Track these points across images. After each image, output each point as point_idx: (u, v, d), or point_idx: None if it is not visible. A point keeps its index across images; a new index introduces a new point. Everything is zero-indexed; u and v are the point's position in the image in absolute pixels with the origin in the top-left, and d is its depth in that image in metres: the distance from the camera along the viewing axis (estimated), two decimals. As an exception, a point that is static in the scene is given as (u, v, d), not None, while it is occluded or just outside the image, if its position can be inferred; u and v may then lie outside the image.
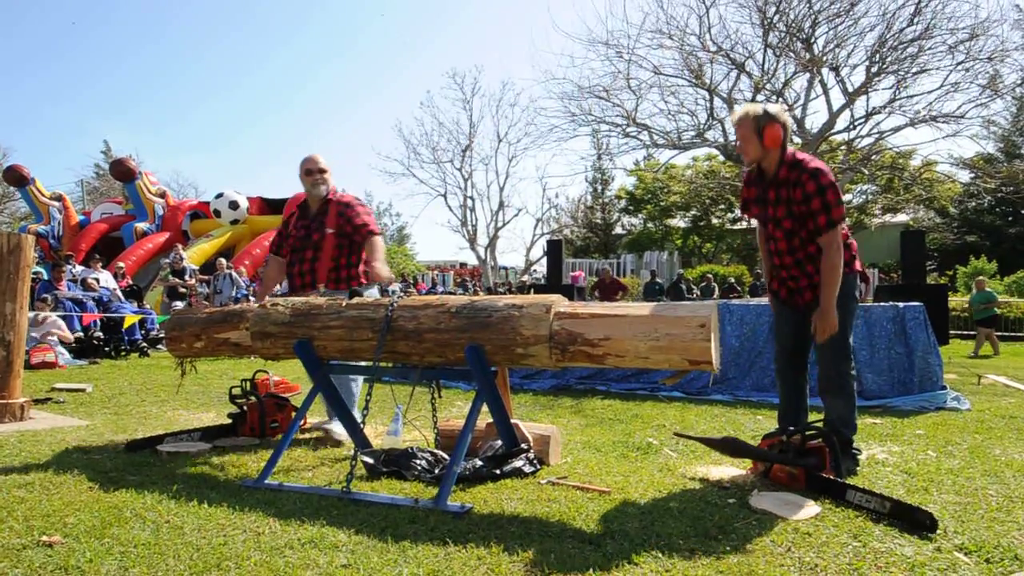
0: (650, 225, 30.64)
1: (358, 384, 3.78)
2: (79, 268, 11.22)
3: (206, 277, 12.38)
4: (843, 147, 17.17)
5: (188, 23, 68.23)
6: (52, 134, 63.72)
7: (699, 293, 16.74)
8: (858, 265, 3.10)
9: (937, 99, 14.88)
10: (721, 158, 21.56)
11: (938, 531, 2.21)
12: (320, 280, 3.74)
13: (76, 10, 63.80)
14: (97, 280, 10.12)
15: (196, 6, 68.91)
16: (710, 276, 18.74)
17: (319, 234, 3.75)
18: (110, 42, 67.54)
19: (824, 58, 15.47)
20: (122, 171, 17.35)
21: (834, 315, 2.88)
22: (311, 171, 3.80)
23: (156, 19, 65.97)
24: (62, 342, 8.12)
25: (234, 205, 16.79)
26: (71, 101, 65.23)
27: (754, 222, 3.31)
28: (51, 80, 63.77)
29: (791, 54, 15.63)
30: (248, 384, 4.12)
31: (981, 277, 12.47)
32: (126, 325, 9.16)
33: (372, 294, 3.68)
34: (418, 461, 2.91)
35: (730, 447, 2.96)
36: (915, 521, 2.24)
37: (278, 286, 4.37)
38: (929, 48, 14.61)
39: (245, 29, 72.68)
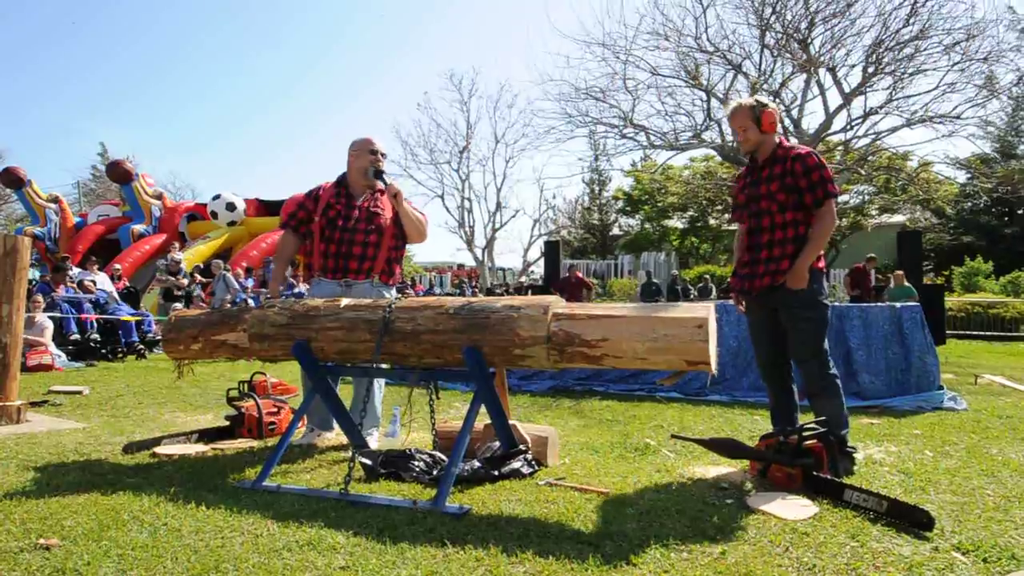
0: (647, 226, 30.66)
1: (378, 404, 3.73)
2: (76, 270, 11.18)
3: (203, 280, 12.36)
4: (840, 148, 17.19)
5: (188, 22, 68.21)
6: (48, 136, 63.68)
7: (696, 294, 16.76)
8: (821, 263, 3.16)
9: (933, 100, 14.90)
10: (718, 159, 21.58)
11: (935, 531, 2.22)
12: (377, 269, 3.58)
13: (74, 11, 63.74)
14: (94, 282, 10.09)
15: (196, 5, 68.88)
16: (707, 277, 18.78)
17: (382, 218, 3.58)
18: (108, 42, 67.50)
19: (821, 59, 15.48)
20: (119, 173, 17.34)
21: (806, 275, 3.02)
22: (375, 151, 3.60)
23: (154, 19, 65.97)
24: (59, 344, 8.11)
25: (231, 207, 16.77)
26: (68, 102, 65.22)
27: None
28: (47, 81, 63.74)
29: (788, 55, 15.63)
30: (246, 386, 4.12)
31: (899, 272, 11.97)
32: (128, 319, 9.13)
33: (390, 294, 3.65)
34: (416, 463, 2.91)
35: (727, 448, 2.96)
36: (913, 520, 2.25)
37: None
38: (925, 49, 14.64)
39: (244, 27, 72.71)
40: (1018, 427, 4.19)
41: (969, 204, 24.77)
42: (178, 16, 67.96)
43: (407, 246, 3.91)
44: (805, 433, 2.83)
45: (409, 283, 21.15)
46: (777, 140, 3.18)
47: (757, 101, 3.16)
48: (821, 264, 3.15)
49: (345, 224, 3.57)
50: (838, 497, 2.53)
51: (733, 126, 3.23)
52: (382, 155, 3.65)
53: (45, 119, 64.16)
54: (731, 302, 6.79)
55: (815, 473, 2.71)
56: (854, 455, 3.06)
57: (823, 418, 3.00)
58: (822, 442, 2.80)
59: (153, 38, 67.47)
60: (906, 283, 11.39)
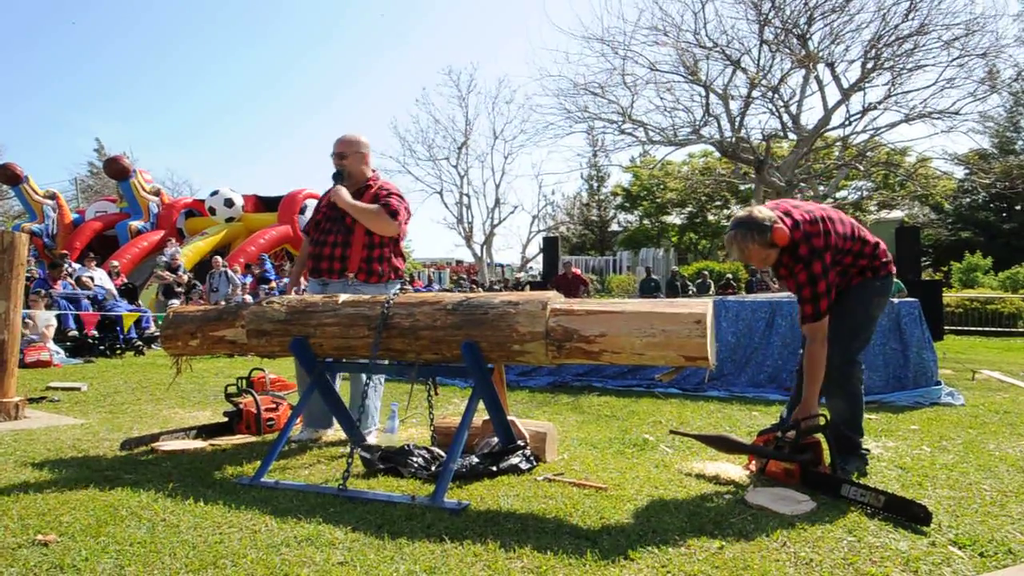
0: (646, 222, 30.70)
1: (376, 403, 3.73)
2: (76, 266, 11.17)
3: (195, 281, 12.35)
4: (838, 143, 17.19)
5: (184, 15, 68.00)
6: (45, 132, 63.52)
7: (695, 290, 16.76)
8: (892, 268, 3.09)
9: (932, 95, 14.91)
10: (717, 154, 21.56)
11: (932, 525, 2.22)
12: (351, 268, 3.59)
13: (68, 4, 63.52)
14: (91, 278, 10.08)
15: None
16: (706, 273, 18.78)
17: (351, 217, 3.61)
18: (103, 36, 67.29)
19: (820, 54, 15.47)
20: (116, 169, 17.29)
21: (816, 410, 2.81)
22: (332, 154, 3.73)
23: (150, 12, 65.74)
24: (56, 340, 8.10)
25: (229, 203, 16.74)
26: (64, 98, 64.99)
27: None
28: (43, 77, 63.52)
29: (787, 50, 15.63)
30: (244, 382, 4.12)
31: None
32: (126, 327, 9.14)
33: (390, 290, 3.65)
34: (415, 458, 2.91)
35: (725, 443, 2.97)
36: (910, 515, 2.26)
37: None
38: (924, 44, 14.63)
39: (241, 20, 72.51)
40: (1015, 422, 4.20)
41: (967, 200, 24.80)
42: (174, 9, 67.77)
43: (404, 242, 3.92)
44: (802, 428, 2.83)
45: (407, 279, 21.15)
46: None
47: (758, 224, 2.77)
48: (887, 260, 3.05)
49: (323, 225, 3.72)
50: (835, 492, 2.54)
51: (751, 261, 2.91)
52: (339, 154, 3.70)
53: (42, 115, 64.01)
54: (729, 298, 6.81)
55: (813, 468, 2.71)
56: (866, 456, 3.00)
57: (831, 419, 2.94)
58: (823, 438, 2.80)
59: (149, 32, 67.27)
60: (895, 279, 11.45)
